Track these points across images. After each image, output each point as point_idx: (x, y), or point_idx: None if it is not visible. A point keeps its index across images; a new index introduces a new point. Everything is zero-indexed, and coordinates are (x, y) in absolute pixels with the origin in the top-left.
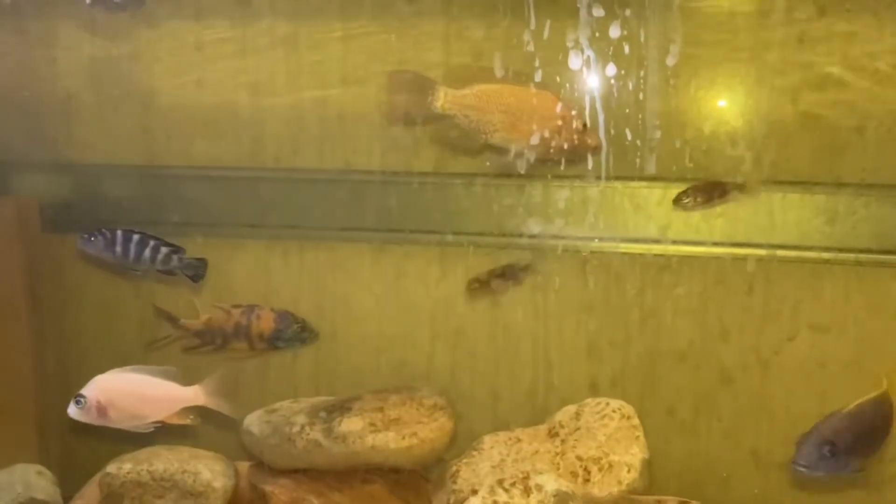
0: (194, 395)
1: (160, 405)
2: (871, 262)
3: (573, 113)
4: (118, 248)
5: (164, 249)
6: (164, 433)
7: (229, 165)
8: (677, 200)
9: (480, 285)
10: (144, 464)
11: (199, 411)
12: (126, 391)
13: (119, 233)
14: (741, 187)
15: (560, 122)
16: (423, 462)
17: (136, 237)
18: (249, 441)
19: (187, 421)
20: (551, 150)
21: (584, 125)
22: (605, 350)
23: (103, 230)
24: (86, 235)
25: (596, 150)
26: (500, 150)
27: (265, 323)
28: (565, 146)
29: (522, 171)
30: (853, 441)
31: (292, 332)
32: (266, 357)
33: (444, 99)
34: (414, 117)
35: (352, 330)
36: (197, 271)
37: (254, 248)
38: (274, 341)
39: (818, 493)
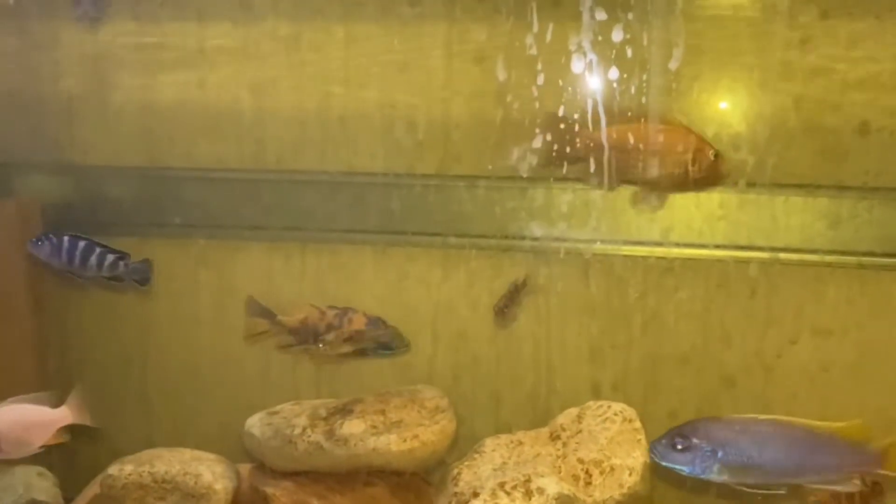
0: (64, 415)
1: (42, 430)
2: (873, 266)
3: (705, 144)
4: (64, 255)
5: (110, 256)
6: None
7: (231, 167)
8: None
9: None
10: (146, 465)
11: None
12: (12, 423)
13: (66, 238)
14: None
15: (692, 155)
16: (424, 465)
17: (81, 244)
18: (251, 443)
19: (62, 439)
20: (686, 181)
21: (716, 155)
22: (607, 353)
23: (50, 235)
24: (34, 240)
25: (727, 177)
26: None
27: (356, 327)
28: (699, 176)
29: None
30: (734, 450)
31: (381, 340)
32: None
33: (581, 139)
34: (560, 158)
35: None
36: (144, 275)
37: (256, 250)
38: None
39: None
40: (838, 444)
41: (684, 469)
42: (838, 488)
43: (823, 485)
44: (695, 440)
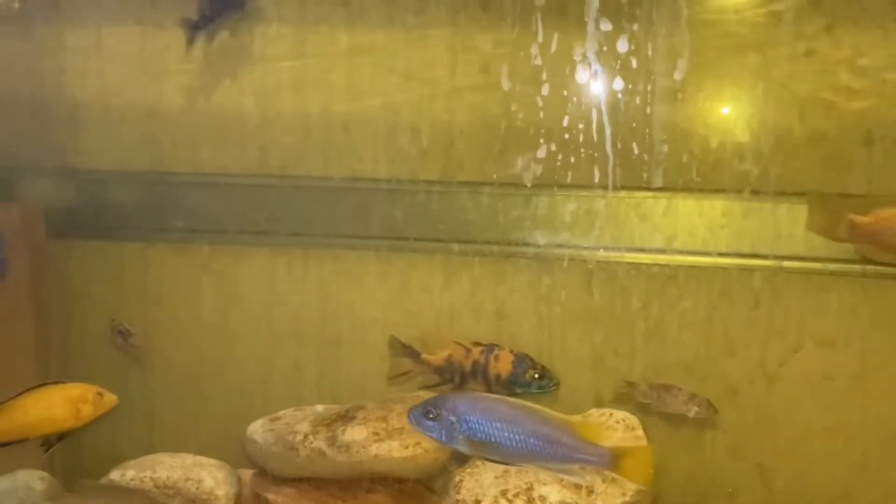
0: None
1: None
2: (876, 275)
3: None
4: None
5: None
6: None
7: (235, 173)
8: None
9: None
10: (148, 471)
11: None
12: None
13: None
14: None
15: None
16: (426, 472)
17: None
18: (252, 449)
19: None
20: None
21: None
22: (609, 361)
23: None
24: None
25: None
26: None
27: (503, 365)
28: None
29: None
30: (475, 426)
31: (529, 378)
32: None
33: (852, 224)
34: (832, 235)
35: (356, 338)
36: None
37: (259, 255)
38: (510, 385)
39: None
40: (573, 439)
41: (433, 436)
42: (573, 479)
43: (559, 473)
44: (443, 412)
